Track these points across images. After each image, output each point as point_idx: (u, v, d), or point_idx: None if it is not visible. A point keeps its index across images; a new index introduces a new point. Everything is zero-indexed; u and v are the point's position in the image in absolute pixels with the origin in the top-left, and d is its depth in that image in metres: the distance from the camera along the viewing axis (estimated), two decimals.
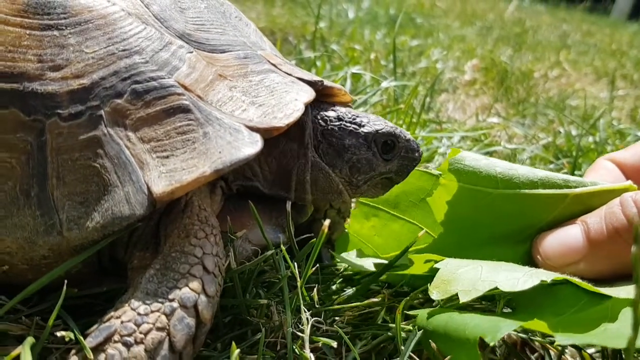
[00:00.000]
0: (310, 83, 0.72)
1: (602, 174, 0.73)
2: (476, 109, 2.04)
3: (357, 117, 0.76)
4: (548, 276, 0.57)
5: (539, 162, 1.57)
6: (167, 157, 0.59)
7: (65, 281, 0.55)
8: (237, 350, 0.52)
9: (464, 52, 3.22)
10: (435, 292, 0.62)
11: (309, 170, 0.74)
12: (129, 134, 0.59)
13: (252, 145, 0.60)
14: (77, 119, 0.58)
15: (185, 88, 0.62)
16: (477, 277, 0.60)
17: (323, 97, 0.80)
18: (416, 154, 0.76)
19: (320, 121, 0.76)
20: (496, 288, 0.58)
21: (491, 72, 2.84)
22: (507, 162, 0.68)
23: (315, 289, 0.68)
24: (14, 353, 0.48)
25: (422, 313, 0.63)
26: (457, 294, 0.60)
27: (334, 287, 0.77)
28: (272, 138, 0.65)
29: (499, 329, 0.51)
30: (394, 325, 0.66)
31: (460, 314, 0.58)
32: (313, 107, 0.76)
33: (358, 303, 0.70)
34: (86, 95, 0.59)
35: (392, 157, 0.75)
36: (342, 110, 0.77)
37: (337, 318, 0.70)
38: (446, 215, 0.70)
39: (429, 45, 3.02)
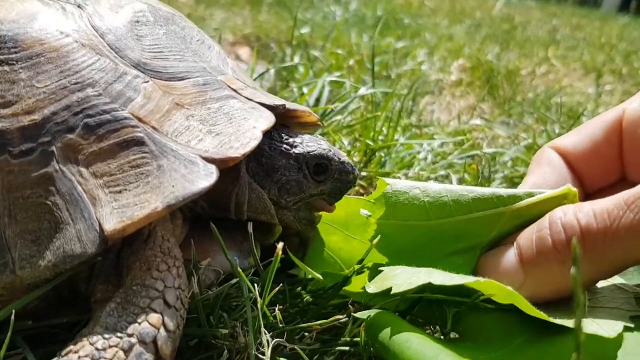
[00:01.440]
0: (271, 108, 0.71)
1: (545, 172, 0.71)
2: (459, 110, 2.03)
3: (290, 137, 0.75)
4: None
5: (520, 164, 1.57)
6: (120, 192, 0.58)
7: (13, 315, 0.55)
8: None
9: (451, 52, 3.21)
10: (372, 287, 0.63)
11: (245, 193, 0.73)
12: (82, 169, 0.59)
13: (206, 178, 0.59)
14: (28, 156, 0.58)
15: (140, 120, 0.62)
16: (413, 275, 0.61)
17: (287, 119, 0.79)
18: (350, 176, 0.75)
19: None
20: (429, 283, 0.58)
21: (477, 71, 2.84)
22: (440, 185, 0.67)
23: (276, 309, 0.67)
24: None
25: (368, 315, 0.63)
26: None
27: (301, 305, 0.76)
28: None
29: None
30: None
31: (404, 331, 0.57)
32: None
33: (323, 321, 0.69)
34: (37, 131, 0.58)
35: (325, 178, 0.74)
36: (276, 131, 0.75)
37: (306, 334, 0.70)
38: (386, 249, 0.70)
39: (415, 46, 3.02)
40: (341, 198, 0.77)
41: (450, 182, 1.29)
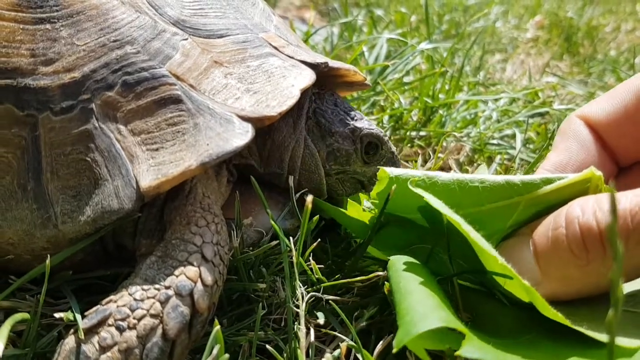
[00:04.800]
0: (312, 65, 0.70)
1: (570, 147, 0.64)
2: (529, 68, 1.93)
3: (353, 111, 0.75)
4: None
5: None
6: (157, 149, 0.58)
7: (48, 265, 0.56)
8: (218, 327, 0.51)
9: (528, 9, 3.05)
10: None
11: (301, 148, 0.74)
12: (120, 126, 0.59)
13: (241, 137, 0.59)
14: (68, 113, 0.59)
15: (178, 77, 0.62)
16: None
17: (335, 77, 0.77)
18: None
19: (316, 100, 0.75)
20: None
21: (556, 28, 2.68)
22: (448, 175, 0.60)
23: (312, 263, 0.67)
24: (2, 329, 0.50)
25: (395, 260, 0.59)
26: None
27: (340, 261, 0.76)
28: None
29: (417, 324, 0.46)
30: None
31: (422, 283, 0.53)
32: (317, 85, 0.75)
33: (362, 277, 0.68)
34: (77, 88, 0.59)
35: (372, 161, 0.74)
36: (341, 100, 0.75)
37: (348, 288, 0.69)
38: (389, 243, 0.66)
39: (489, 2, 2.88)
40: None
41: (516, 141, 1.22)
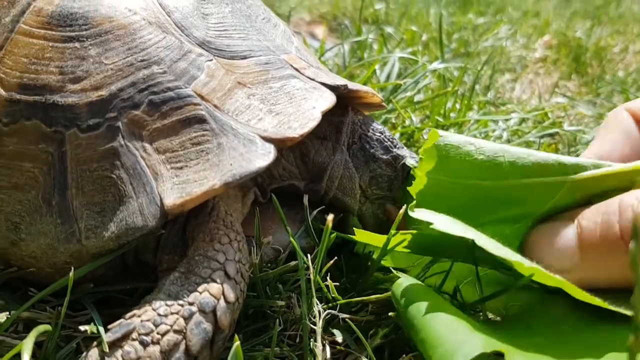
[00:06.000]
0: (332, 88, 0.71)
1: (615, 140, 0.63)
2: (538, 88, 1.94)
3: (396, 140, 0.78)
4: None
5: None
6: (181, 168, 0.60)
7: (71, 278, 0.57)
8: (237, 342, 0.51)
9: (536, 28, 3.07)
10: (417, 213, 0.57)
11: (340, 170, 0.76)
12: (145, 144, 0.60)
13: (264, 157, 0.60)
14: (95, 131, 0.60)
15: (202, 97, 0.63)
16: (459, 226, 0.54)
17: (353, 99, 0.78)
18: None
19: (360, 125, 0.78)
20: (472, 241, 0.52)
21: (564, 48, 2.70)
22: (496, 144, 0.60)
23: (328, 281, 0.67)
24: (27, 340, 0.51)
25: (399, 284, 0.58)
26: None
27: (355, 277, 0.76)
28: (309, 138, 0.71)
29: (455, 355, 0.44)
30: None
31: (432, 305, 0.52)
32: (351, 108, 0.79)
33: (378, 296, 0.69)
34: (104, 106, 0.61)
35: None
36: (386, 129, 0.79)
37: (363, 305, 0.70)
38: (429, 207, 0.61)
39: (497, 22, 2.90)
40: None
41: None
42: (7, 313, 0.61)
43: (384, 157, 0.76)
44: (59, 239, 0.59)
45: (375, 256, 0.68)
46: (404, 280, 0.58)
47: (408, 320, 0.52)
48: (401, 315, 0.55)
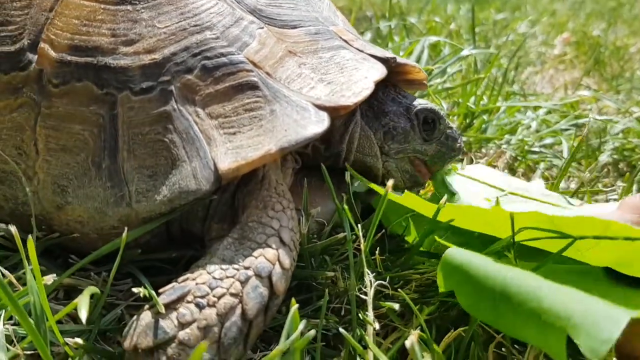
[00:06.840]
0: (382, 60, 0.70)
1: None
2: (565, 82, 1.93)
3: (404, 92, 0.77)
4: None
5: (632, 136, 1.46)
6: (234, 133, 0.59)
7: (124, 241, 0.56)
8: (296, 306, 0.49)
9: (554, 26, 3.05)
10: None
11: (358, 130, 0.74)
12: (198, 109, 0.60)
13: (318, 124, 0.59)
14: (148, 94, 0.59)
15: (255, 64, 0.62)
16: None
17: (396, 74, 0.78)
18: (457, 144, 0.76)
19: None
20: None
21: (583, 46, 2.68)
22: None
23: (377, 255, 0.66)
24: (77, 300, 0.50)
25: (450, 255, 0.54)
26: None
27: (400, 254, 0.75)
28: None
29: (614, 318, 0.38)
30: None
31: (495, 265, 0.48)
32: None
33: (421, 275, 0.68)
34: (157, 70, 0.60)
35: (432, 138, 0.75)
36: (391, 85, 0.77)
37: (405, 283, 0.69)
38: None
39: (515, 18, 2.89)
40: (443, 166, 0.76)
41: (558, 151, 1.22)
42: (53, 276, 0.61)
43: (394, 108, 0.75)
44: (108, 202, 0.58)
45: (409, 238, 0.67)
46: (456, 252, 0.55)
47: (487, 291, 0.48)
48: (460, 288, 0.53)
